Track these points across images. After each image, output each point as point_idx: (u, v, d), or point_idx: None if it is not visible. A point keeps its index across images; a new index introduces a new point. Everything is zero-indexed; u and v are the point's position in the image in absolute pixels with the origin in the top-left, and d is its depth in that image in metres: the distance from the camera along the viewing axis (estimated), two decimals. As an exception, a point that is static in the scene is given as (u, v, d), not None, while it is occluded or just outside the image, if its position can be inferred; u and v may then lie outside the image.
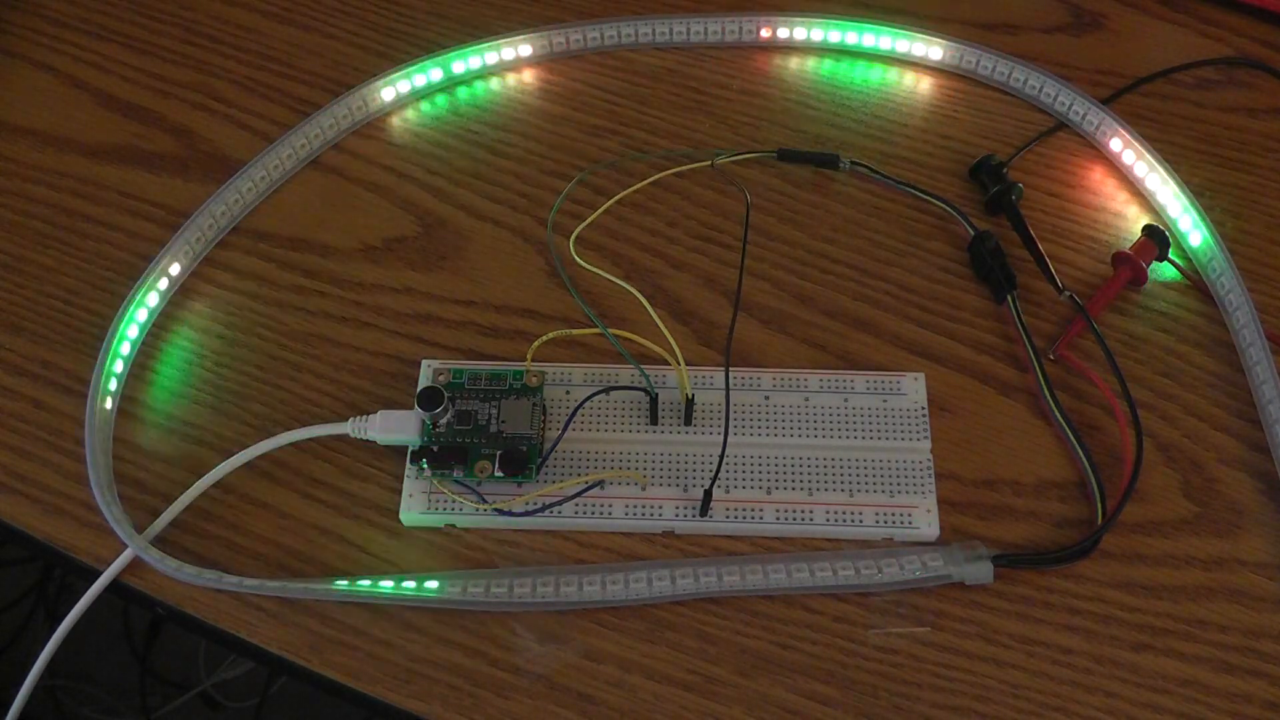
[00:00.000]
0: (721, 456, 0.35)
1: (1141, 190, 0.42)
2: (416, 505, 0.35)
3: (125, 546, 0.34)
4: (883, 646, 0.33)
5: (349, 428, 0.36)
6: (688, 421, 0.36)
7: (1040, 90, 0.44)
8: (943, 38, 0.45)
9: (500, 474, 0.35)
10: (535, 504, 0.35)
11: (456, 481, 0.35)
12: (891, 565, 0.33)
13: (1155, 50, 0.46)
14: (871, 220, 0.42)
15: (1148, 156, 0.42)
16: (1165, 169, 0.41)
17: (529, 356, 0.36)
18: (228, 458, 0.35)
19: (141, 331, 0.39)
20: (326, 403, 0.38)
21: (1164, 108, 0.45)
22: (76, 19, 0.47)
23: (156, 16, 0.48)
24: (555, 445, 0.36)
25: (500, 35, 0.45)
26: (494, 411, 0.36)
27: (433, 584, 0.33)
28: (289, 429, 0.36)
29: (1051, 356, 0.38)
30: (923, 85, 0.46)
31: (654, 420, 0.36)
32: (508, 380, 0.37)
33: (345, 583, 0.34)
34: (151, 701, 0.82)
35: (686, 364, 0.36)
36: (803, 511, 0.35)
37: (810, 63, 0.46)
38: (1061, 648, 0.33)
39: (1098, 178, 0.43)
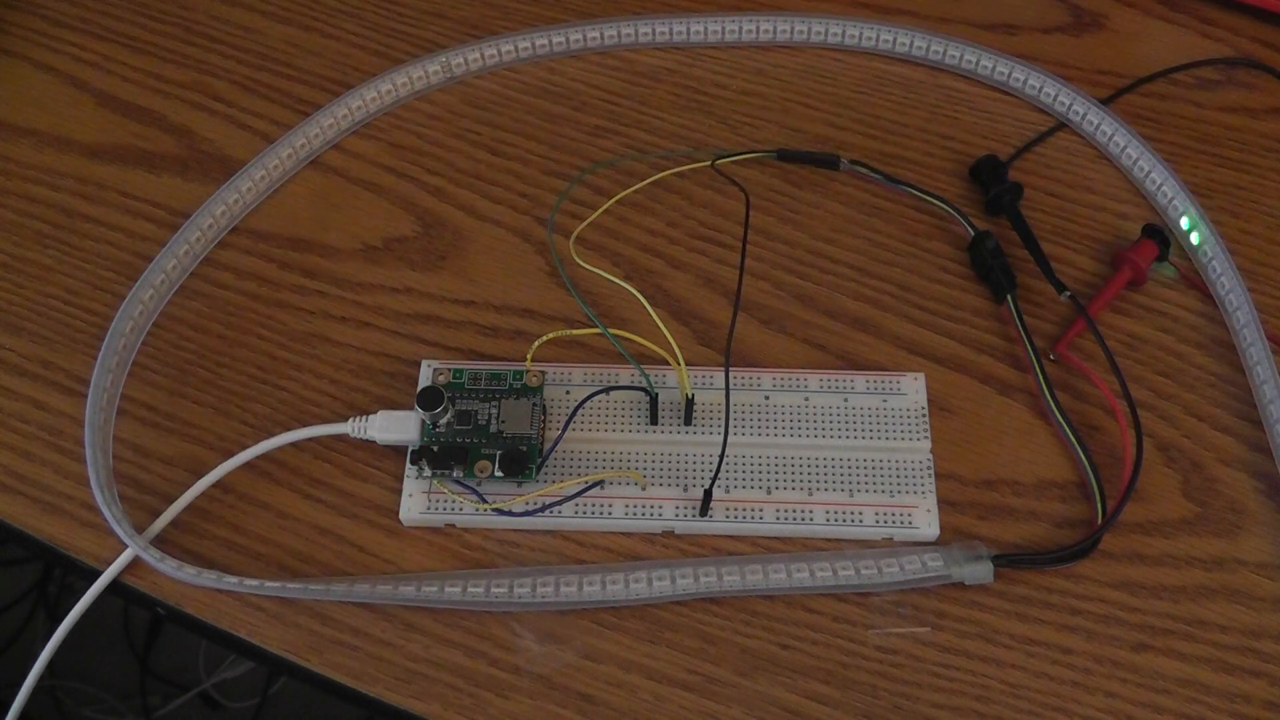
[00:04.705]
0: (721, 456, 0.35)
1: (1141, 190, 0.42)
2: (416, 505, 0.35)
3: (125, 546, 0.34)
4: (883, 646, 0.33)
5: (349, 428, 0.36)
6: (688, 421, 0.36)
7: (1040, 90, 0.44)
8: (943, 38, 0.45)
9: (500, 474, 0.35)
10: (535, 504, 0.35)
11: (456, 481, 0.35)
12: (891, 565, 0.33)
13: (1155, 50, 0.46)
14: (871, 220, 0.42)
15: (1148, 156, 0.42)
16: (1165, 169, 0.41)
17: (529, 356, 0.36)
18: (228, 458, 0.35)
19: (141, 331, 0.39)
20: (326, 403, 0.38)
21: (1164, 108, 0.45)
22: (76, 19, 0.47)
23: (156, 16, 0.48)
24: (555, 445, 0.36)
25: (500, 35, 0.45)
26: (494, 411, 0.36)
27: (432, 584, 0.33)
28: (289, 429, 0.36)
29: (1051, 356, 0.38)
30: (923, 85, 0.46)
31: (654, 420, 0.36)
32: (508, 380, 0.37)
33: (345, 583, 0.34)
34: (151, 701, 0.82)
35: (686, 364, 0.36)
36: (803, 511, 0.35)
37: (810, 63, 0.46)
38: (1061, 648, 0.33)
39: (1098, 178, 0.43)
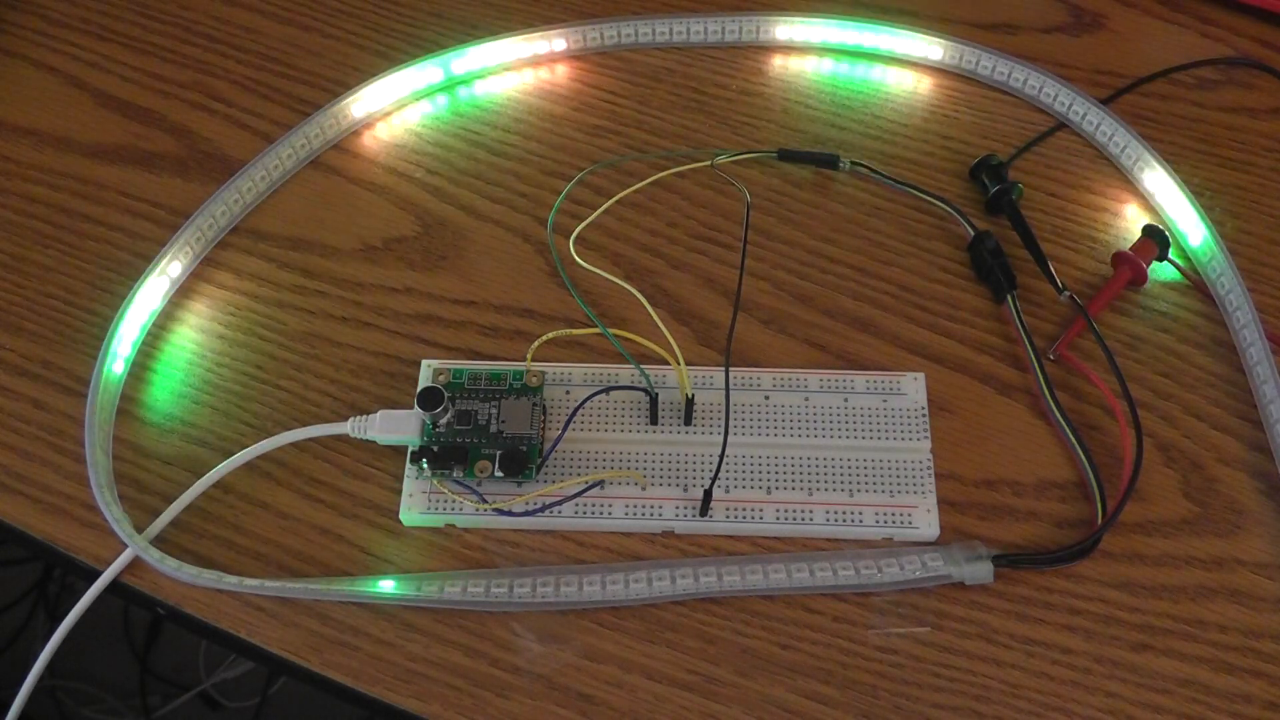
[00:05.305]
0: (721, 456, 0.35)
1: (1141, 190, 0.42)
2: (416, 505, 0.35)
3: (125, 546, 0.34)
4: (883, 646, 0.33)
5: (349, 428, 0.36)
6: (688, 421, 0.36)
7: (1040, 90, 0.44)
8: (943, 38, 0.45)
9: (500, 474, 0.35)
10: (535, 504, 0.35)
11: (456, 481, 0.35)
12: (891, 565, 0.33)
13: (1155, 50, 0.46)
14: (871, 220, 0.42)
15: (1148, 156, 0.42)
16: (1165, 169, 0.41)
17: (529, 356, 0.36)
18: (228, 458, 0.35)
19: (141, 331, 0.39)
20: (326, 403, 0.38)
21: (1164, 108, 0.45)
22: (76, 19, 0.47)
23: (156, 16, 0.48)
24: (555, 445, 0.36)
25: (500, 35, 0.45)
26: (494, 411, 0.36)
27: (433, 584, 0.33)
28: (289, 429, 0.36)
29: (1051, 356, 0.38)
30: (923, 85, 0.46)
31: (654, 420, 0.36)
32: (508, 380, 0.37)
33: (345, 583, 0.34)
34: (151, 701, 0.82)
35: (686, 364, 0.36)
36: (803, 511, 0.35)
37: (810, 63, 0.46)
38: (1061, 648, 0.33)
39: (1098, 178, 0.43)
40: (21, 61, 0.46)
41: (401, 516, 0.35)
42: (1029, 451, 0.37)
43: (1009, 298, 0.39)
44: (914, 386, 0.37)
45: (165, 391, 0.38)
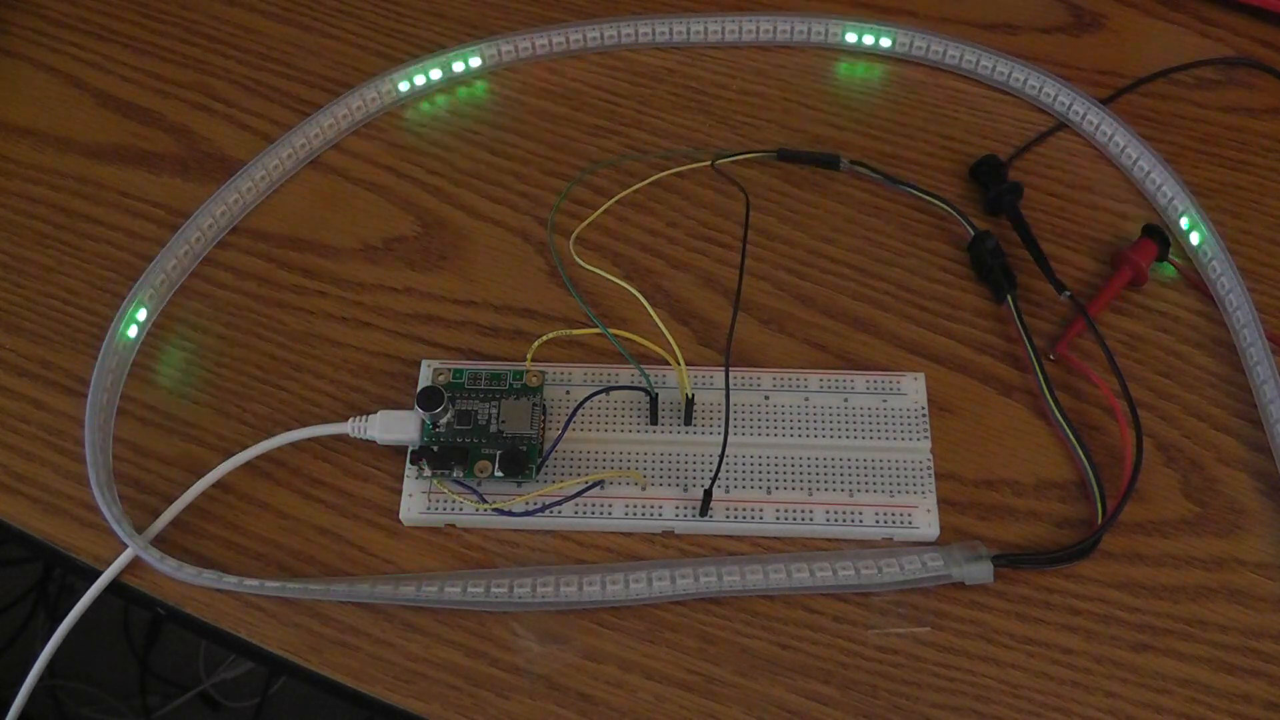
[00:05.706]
0: (721, 456, 0.35)
1: (1141, 190, 0.42)
2: (416, 505, 0.35)
3: (125, 546, 0.34)
4: (883, 646, 0.33)
5: (349, 428, 0.36)
6: (688, 421, 0.36)
7: (1040, 90, 0.44)
8: (943, 38, 0.45)
9: (500, 474, 0.35)
10: (535, 504, 0.35)
11: (456, 481, 0.35)
12: (891, 565, 0.33)
13: (1155, 50, 0.46)
14: (871, 220, 0.42)
15: (1148, 156, 0.42)
16: (1165, 169, 0.41)
17: (529, 356, 0.36)
18: (228, 458, 0.35)
19: (141, 331, 0.39)
20: (326, 403, 0.38)
21: (1164, 108, 0.45)
22: (76, 19, 0.47)
23: (156, 16, 0.48)
24: (555, 445, 0.36)
25: (501, 35, 0.45)
26: (494, 411, 0.36)
27: (432, 584, 0.33)
28: (289, 429, 0.36)
29: (1051, 356, 0.38)
30: (923, 85, 0.46)
31: (654, 420, 0.36)
32: (508, 380, 0.37)
33: (345, 583, 0.34)
34: (151, 701, 0.82)
35: (686, 364, 0.36)
36: (803, 511, 0.35)
37: (810, 62, 0.46)
38: (1061, 648, 0.33)
39: (1098, 178, 0.43)
40: (21, 61, 0.46)
41: (401, 516, 0.35)
42: (1029, 451, 0.37)
43: (1009, 298, 0.39)
44: (914, 386, 0.37)
45: (165, 391, 0.38)
